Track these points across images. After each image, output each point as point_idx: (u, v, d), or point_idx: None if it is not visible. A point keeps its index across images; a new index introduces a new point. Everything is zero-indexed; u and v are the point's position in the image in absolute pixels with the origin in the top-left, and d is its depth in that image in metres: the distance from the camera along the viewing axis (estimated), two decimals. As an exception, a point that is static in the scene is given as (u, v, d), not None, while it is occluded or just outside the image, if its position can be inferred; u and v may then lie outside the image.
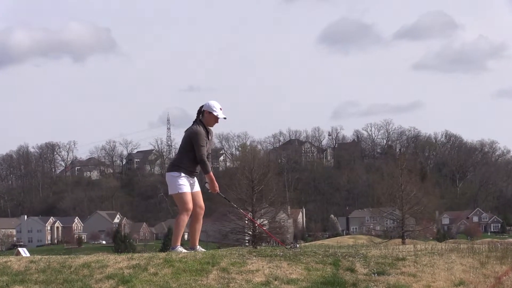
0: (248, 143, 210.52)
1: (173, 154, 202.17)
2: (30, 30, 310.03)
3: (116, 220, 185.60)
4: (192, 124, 12.45)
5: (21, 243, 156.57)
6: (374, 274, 11.26)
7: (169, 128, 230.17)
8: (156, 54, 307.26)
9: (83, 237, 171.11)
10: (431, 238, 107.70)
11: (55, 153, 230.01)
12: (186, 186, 12.34)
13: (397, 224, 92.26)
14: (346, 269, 11.38)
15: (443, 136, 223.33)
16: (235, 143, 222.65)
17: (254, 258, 11.65)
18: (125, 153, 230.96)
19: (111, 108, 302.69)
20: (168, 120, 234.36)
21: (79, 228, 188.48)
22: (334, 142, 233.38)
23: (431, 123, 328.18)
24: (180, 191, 12.32)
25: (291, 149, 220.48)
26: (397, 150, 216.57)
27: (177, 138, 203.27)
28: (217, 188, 12.52)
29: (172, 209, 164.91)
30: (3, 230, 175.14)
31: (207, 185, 12.56)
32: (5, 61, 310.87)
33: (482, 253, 12.34)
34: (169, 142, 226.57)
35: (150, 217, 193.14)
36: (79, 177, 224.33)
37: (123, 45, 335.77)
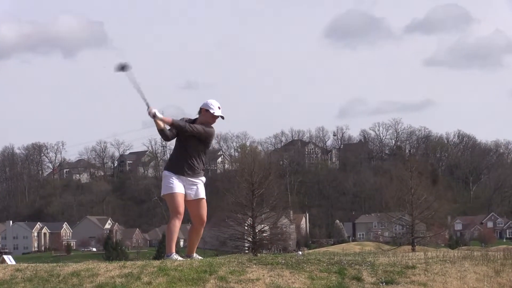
0: (248, 143, 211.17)
1: (168, 155, 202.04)
2: (18, 23, 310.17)
3: (107, 226, 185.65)
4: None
5: (6, 250, 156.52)
6: (382, 283, 11.28)
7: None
8: (151, 49, 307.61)
9: (72, 244, 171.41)
10: (443, 245, 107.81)
11: (42, 154, 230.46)
12: (177, 186, 12.08)
13: (407, 230, 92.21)
14: (352, 278, 11.40)
15: (456, 136, 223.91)
16: (234, 143, 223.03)
17: (254, 266, 11.65)
18: (116, 154, 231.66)
19: (102, 107, 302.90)
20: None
21: (68, 234, 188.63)
22: (340, 142, 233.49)
23: (443, 123, 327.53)
24: (166, 192, 12.13)
25: (293, 150, 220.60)
26: (407, 151, 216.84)
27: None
28: (152, 111, 11.85)
29: (167, 214, 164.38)
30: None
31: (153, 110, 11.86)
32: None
33: (497, 260, 12.36)
34: (163, 143, 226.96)
35: (144, 223, 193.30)
36: (68, 180, 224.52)
37: (116, 39, 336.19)
